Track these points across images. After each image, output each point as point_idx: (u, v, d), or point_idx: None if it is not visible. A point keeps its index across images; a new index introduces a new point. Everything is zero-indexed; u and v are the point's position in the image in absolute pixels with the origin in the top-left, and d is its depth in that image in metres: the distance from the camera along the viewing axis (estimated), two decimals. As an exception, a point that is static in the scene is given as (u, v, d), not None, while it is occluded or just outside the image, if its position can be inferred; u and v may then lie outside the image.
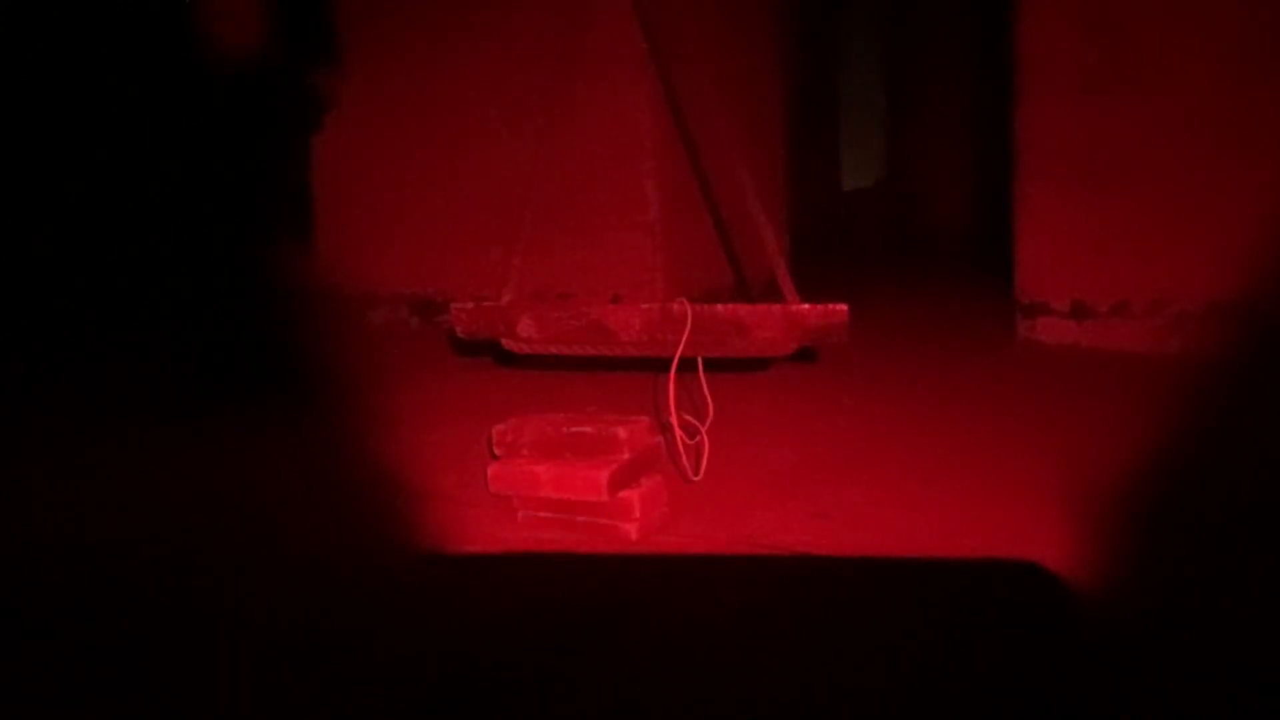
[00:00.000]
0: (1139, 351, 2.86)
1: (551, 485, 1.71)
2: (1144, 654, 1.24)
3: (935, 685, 1.18)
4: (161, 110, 3.42)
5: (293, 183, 3.90)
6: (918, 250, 6.27)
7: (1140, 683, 1.18)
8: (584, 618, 1.38)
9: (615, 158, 3.48)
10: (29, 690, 1.24)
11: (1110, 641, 1.27)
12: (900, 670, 1.22)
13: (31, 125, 3.42)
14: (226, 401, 2.51)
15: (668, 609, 1.42)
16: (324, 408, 2.48)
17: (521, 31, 3.55)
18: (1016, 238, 3.14)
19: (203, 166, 3.46)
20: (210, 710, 1.19)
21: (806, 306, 2.28)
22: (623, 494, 1.68)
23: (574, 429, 1.73)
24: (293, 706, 1.19)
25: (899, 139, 7.05)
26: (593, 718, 1.16)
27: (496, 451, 1.80)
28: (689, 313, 2.27)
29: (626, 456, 1.71)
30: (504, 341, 2.58)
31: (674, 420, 1.93)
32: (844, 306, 2.24)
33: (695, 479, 1.92)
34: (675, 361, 2.09)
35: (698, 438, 1.95)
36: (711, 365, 2.18)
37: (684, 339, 2.18)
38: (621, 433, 1.71)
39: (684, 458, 1.93)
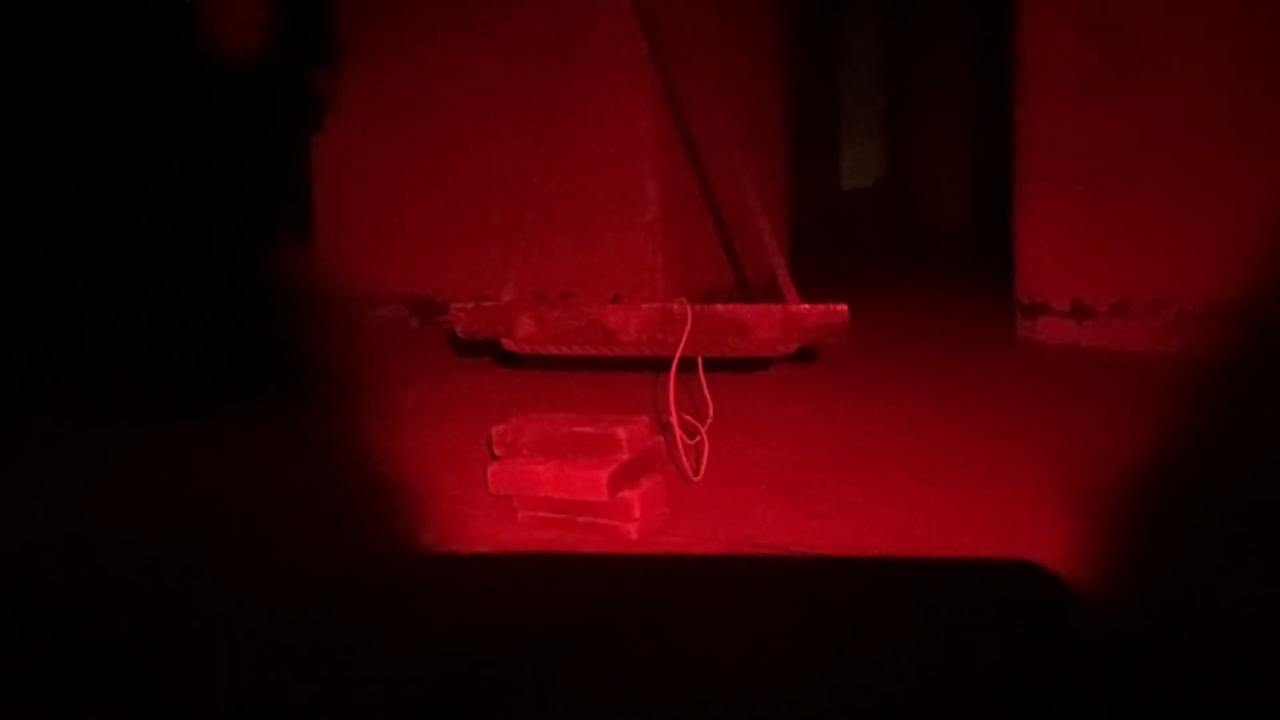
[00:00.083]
0: (1139, 351, 2.86)
1: (551, 485, 1.71)
2: (1144, 654, 1.24)
3: (935, 685, 1.18)
4: (161, 110, 3.42)
5: (293, 183, 3.90)
6: (918, 250, 6.26)
7: (1140, 683, 1.18)
8: (584, 618, 1.38)
9: (615, 158, 3.48)
10: (29, 690, 1.24)
11: (1110, 641, 1.27)
12: (900, 670, 1.22)
13: (31, 125, 3.42)
14: (226, 401, 2.51)
15: (668, 609, 1.42)
16: (324, 408, 2.48)
17: (521, 31, 3.55)
18: (1016, 238, 3.14)
19: (202, 166, 3.46)
20: (210, 710, 1.19)
21: (806, 306, 2.28)
22: (623, 494, 1.68)
23: (574, 429, 1.73)
24: (293, 706, 1.19)
25: (899, 139, 7.05)
26: (593, 718, 1.16)
27: (496, 451, 1.80)
28: (689, 313, 2.27)
29: (626, 456, 1.71)
30: (504, 341, 2.58)
31: (674, 420, 1.93)
32: (844, 306, 2.24)
33: (695, 479, 1.92)
34: (675, 361, 2.09)
35: (698, 438, 1.95)
36: (711, 365, 2.18)
37: (684, 339, 2.18)
38: (621, 433, 1.71)
39: (684, 458, 1.93)
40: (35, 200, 3.41)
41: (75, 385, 2.81)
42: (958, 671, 1.22)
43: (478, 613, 1.43)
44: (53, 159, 3.42)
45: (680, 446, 1.92)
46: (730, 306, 2.37)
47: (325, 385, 2.67)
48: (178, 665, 1.29)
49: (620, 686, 1.21)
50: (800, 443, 2.19)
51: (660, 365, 2.19)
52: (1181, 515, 1.65)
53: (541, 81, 3.35)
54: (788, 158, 4.50)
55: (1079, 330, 3.02)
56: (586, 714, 1.16)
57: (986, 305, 3.59)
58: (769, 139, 4.29)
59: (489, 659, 1.27)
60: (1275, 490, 1.68)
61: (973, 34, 6.18)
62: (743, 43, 4.06)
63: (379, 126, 3.82)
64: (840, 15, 6.98)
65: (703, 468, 1.92)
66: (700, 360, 2.15)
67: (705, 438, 1.94)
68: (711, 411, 1.99)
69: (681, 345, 2.15)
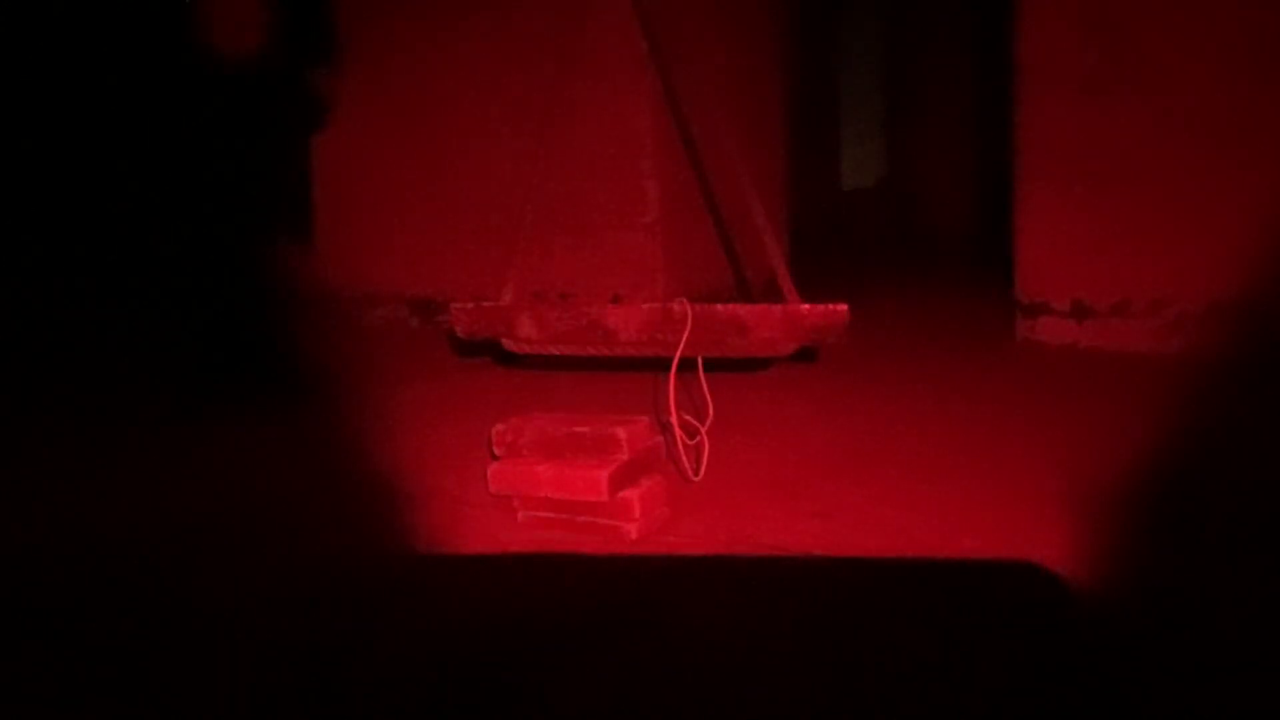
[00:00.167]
0: (1139, 351, 2.86)
1: (551, 485, 1.71)
2: (1144, 654, 1.24)
3: (935, 685, 1.18)
4: (161, 110, 3.42)
5: (293, 183, 3.90)
6: (918, 250, 6.27)
7: (1140, 683, 1.18)
8: (584, 618, 1.38)
9: (615, 158, 3.48)
10: (29, 690, 1.24)
11: (1110, 641, 1.27)
12: (900, 670, 1.22)
13: (32, 125, 3.42)
14: (226, 402, 2.51)
15: (668, 609, 1.42)
16: (324, 408, 2.48)
17: (521, 31, 3.55)
18: (1016, 238, 3.14)
19: (203, 167, 3.46)
20: (210, 710, 1.19)
21: (806, 306, 2.28)
22: (623, 494, 1.68)
23: (574, 429, 1.73)
24: (292, 707, 1.19)
25: (899, 139, 7.05)
26: (593, 718, 1.16)
27: (496, 451, 1.80)
28: (689, 313, 2.27)
29: (626, 456, 1.71)
30: (504, 341, 2.58)
31: (674, 420, 1.93)
32: (844, 306, 2.24)
33: (695, 479, 1.92)
34: (675, 361, 2.09)
35: (698, 438, 1.95)
36: (711, 365, 2.18)
37: (684, 339, 2.18)
38: (621, 433, 1.71)
39: (684, 458, 1.93)
40: (36, 201, 3.41)
41: (76, 385, 2.81)
42: (958, 671, 1.22)
43: (477, 613, 1.42)
44: (53, 159, 3.42)
45: (680, 446, 1.92)
46: (730, 306, 2.37)
47: (325, 385, 2.67)
48: (178, 665, 1.29)
49: (620, 686, 1.21)
50: (800, 443, 2.19)
51: (660, 365, 2.19)
52: (1181, 515, 1.65)
53: (541, 81, 3.35)
54: (788, 158, 4.50)
55: (1079, 330, 3.02)
56: (586, 714, 1.16)
57: (986, 305, 3.59)
58: (769, 139, 4.29)
59: (489, 659, 1.27)
60: (1275, 490, 1.68)
61: (973, 34, 6.18)
62: (743, 43, 4.06)
63: (379, 126, 3.82)
64: (840, 15, 6.98)
65: (703, 468, 1.92)
66: (700, 360, 2.15)
67: (705, 438, 1.94)
68: (711, 411, 1.99)
69: (681, 345, 2.15)
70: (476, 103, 3.67)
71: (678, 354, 2.12)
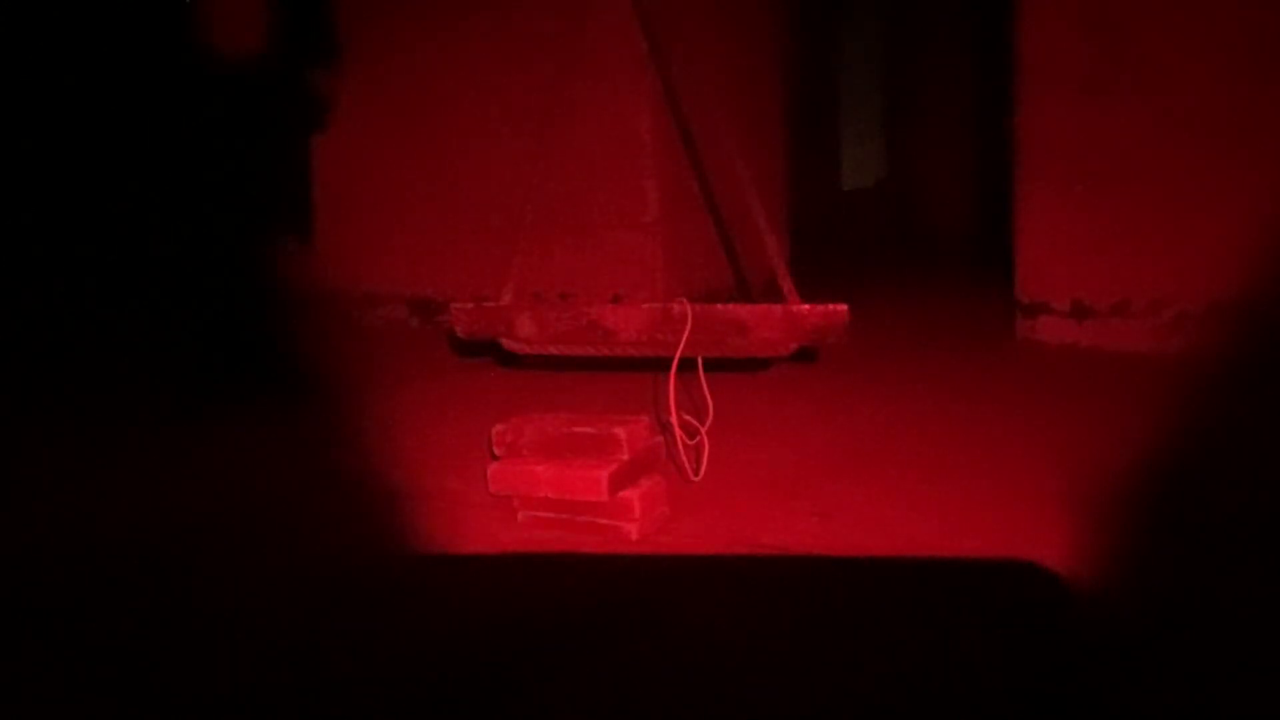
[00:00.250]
0: (1139, 351, 2.86)
1: (551, 485, 1.71)
2: (1144, 654, 1.24)
3: (935, 685, 1.18)
4: (162, 110, 3.42)
5: (293, 183, 3.90)
6: (918, 250, 6.26)
7: (1140, 683, 1.18)
8: (584, 618, 1.38)
9: (615, 158, 3.48)
10: (29, 690, 1.24)
11: (1110, 641, 1.27)
12: (900, 670, 1.22)
13: (32, 125, 3.42)
14: (226, 402, 2.51)
15: (668, 609, 1.42)
16: (324, 408, 2.48)
17: (521, 32, 3.55)
18: (1016, 238, 3.14)
19: (203, 167, 3.46)
20: (210, 710, 1.19)
21: (806, 306, 2.27)
22: (623, 494, 1.68)
23: (574, 429, 1.73)
24: (293, 707, 1.19)
25: (899, 139, 7.05)
26: (593, 718, 1.16)
27: (496, 451, 1.80)
28: (689, 313, 2.27)
29: (626, 456, 1.71)
30: (504, 341, 2.58)
31: (674, 420, 1.93)
32: (844, 306, 2.24)
33: (695, 479, 1.92)
34: (675, 361, 2.09)
35: (698, 438, 1.95)
36: (711, 365, 2.18)
37: (684, 339, 2.18)
38: (621, 433, 1.71)
39: (684, 458, 1.93)
40: (36, 201, 3.41)
41: (76, 385, 2.81)
42: (958, 671, 1.22)
43: (478, 613, 1.43)
44: (54, 160, 3.42)
45: (680, 446, 1.92)
46: (730, 306, 2.37)
47: (325, 385, 2.67)
48: (178, 665, 1.29)
49: (620, 686, 1.21)
50: (800, 443, 2.19)
51: (660, 365, 2.19)
52: (1181, 515, 1.65)
53: (541, 82, 3.35)
54: (788, 158, 4.50)
55: (1079, 330, 3.02)
56: (586, 714, 1.16)
57: (986, 305, 3.59)
58: (769, 139, 4.29)
59: (489, 659, 1.27)
60: (1275, 490, 1.68)
61: (973, 34, 6.18)
62: (743, 43, 4.06)
63: (379, 126, 3.82)
64: (840, 15, 6.97)
65: (703, 468, 1.92)
66: (700, 360, 2.15)
67: (705, 438, 1.94)
68: (711, 411, 1.99)
69: (681, 345, 2.15)
70: (476, 103, 3.67)
71: (678, 354, 2.12)
